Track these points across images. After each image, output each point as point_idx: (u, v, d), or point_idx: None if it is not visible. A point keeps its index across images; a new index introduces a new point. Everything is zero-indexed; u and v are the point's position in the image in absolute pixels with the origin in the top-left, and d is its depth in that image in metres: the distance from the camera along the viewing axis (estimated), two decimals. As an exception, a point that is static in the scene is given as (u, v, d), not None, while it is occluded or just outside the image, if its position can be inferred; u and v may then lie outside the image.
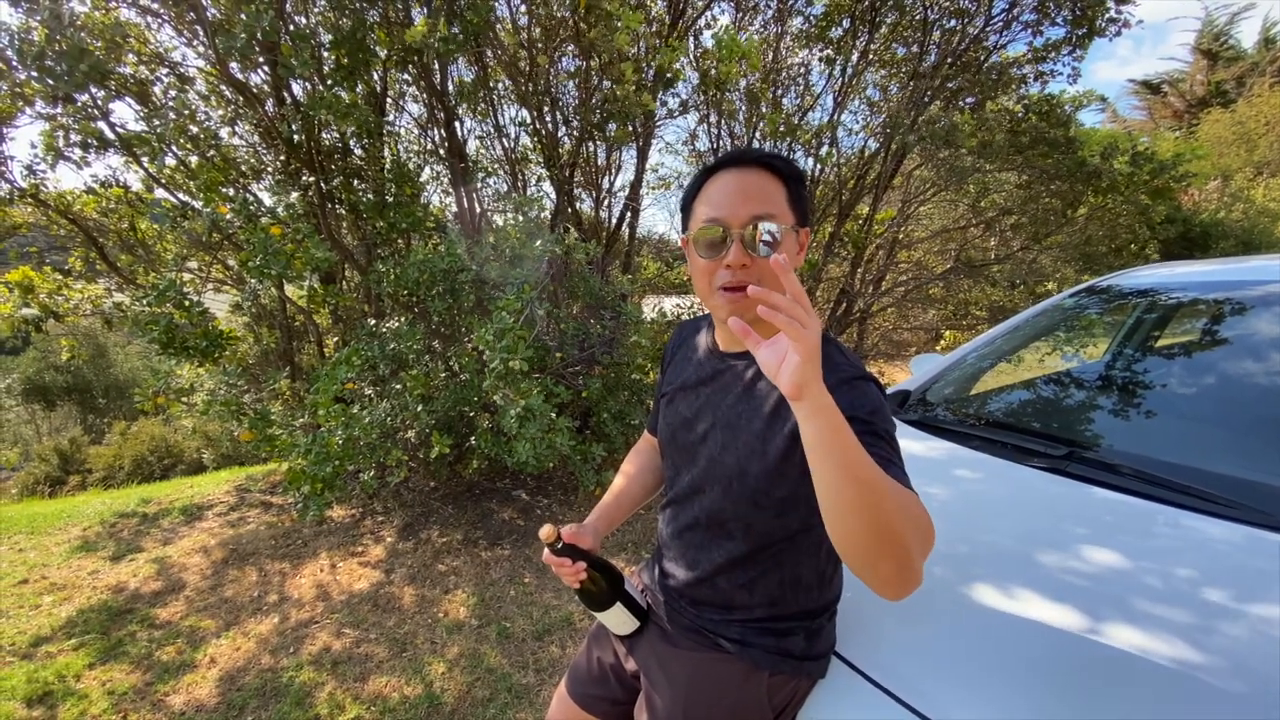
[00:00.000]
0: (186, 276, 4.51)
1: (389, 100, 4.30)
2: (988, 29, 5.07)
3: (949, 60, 4.95)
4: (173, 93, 3.40)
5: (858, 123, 5.88)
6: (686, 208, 1.02)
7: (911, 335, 8.04)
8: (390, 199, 3.51)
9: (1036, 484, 1.47)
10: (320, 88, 3.42)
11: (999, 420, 1.89)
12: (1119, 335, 2.51)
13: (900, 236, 6.24)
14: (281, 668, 2.40)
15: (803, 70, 5.44)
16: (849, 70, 5.17)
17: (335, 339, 4.60)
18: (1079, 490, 1.43)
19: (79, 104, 3.57)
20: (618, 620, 1.16)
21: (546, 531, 1.06)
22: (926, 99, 4.80)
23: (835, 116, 5.10)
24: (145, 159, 3.14)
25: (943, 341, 6.96)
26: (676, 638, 1.10)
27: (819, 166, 5.19)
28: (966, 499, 1.48)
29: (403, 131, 4.88)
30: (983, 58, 5.18)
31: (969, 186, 5.96)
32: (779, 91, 5.35)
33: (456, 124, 4.06)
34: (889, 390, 2.17)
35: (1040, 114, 5.25)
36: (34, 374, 14.07)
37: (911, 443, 1.73)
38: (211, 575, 3.16)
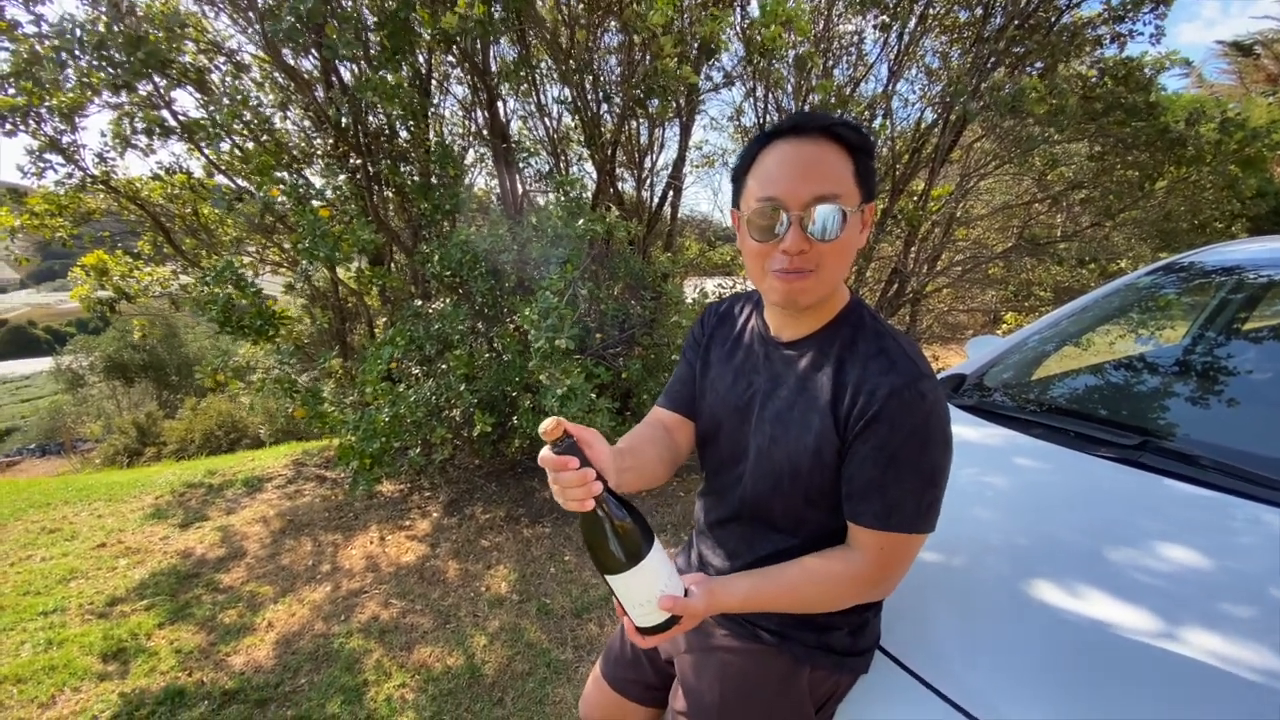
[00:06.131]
0: (245, 259, 4.70)
1: (434, 82, 4.34)
2: (1060, -13, 4.70)
3: (1016, 22, 4.63)
4: (229, 80, 3.50)
5: (914, 93, 5.59)
6: (739, 179, 0.92)
7: (968, 317, 7.68)
8: (435, 180, 3.54)
9: (1105, 475, 1.37)
10: (367, 71, 3.46)
11: (1064, 407, 1.77)
12: (1201, 317, 2.32)
13: (958, 213, 5.94)
14: (333, 634, 2.49)
15: (855, 39, 5.20)
16: (905, 37, 4.90)
17: (385, 320, 4.71)
18: (1153, 482, 1.32)
19: (144, 94, 3.73)
20: (650, 582, 0.80)
21: (549, 426, 0.76)
22: (990, 64, 4.51)
23: (890, 86, 4.87)
24: (204, 144, 3.26)
25: (1004, 325, 6.63)
26: (712, 625, 1.06)
27: (872, 139, 4.98)
28: (1027, 490, 1.39)
29: (447, 114, 4.92)
30: (1053, 18, 4.82)
31: (1034, 159, 5.60)
32: (830, 62, 5.13)
33: (499, 104, 4.06)
34: (941, 375, 2.06)
35: (1117, 78, 4.86)
36: (114, 353, 15.05)
37: (967, 429, 1.63)
38: (270, 544, 3.31)
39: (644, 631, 0.85)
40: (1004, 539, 1.26)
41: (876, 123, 4.79)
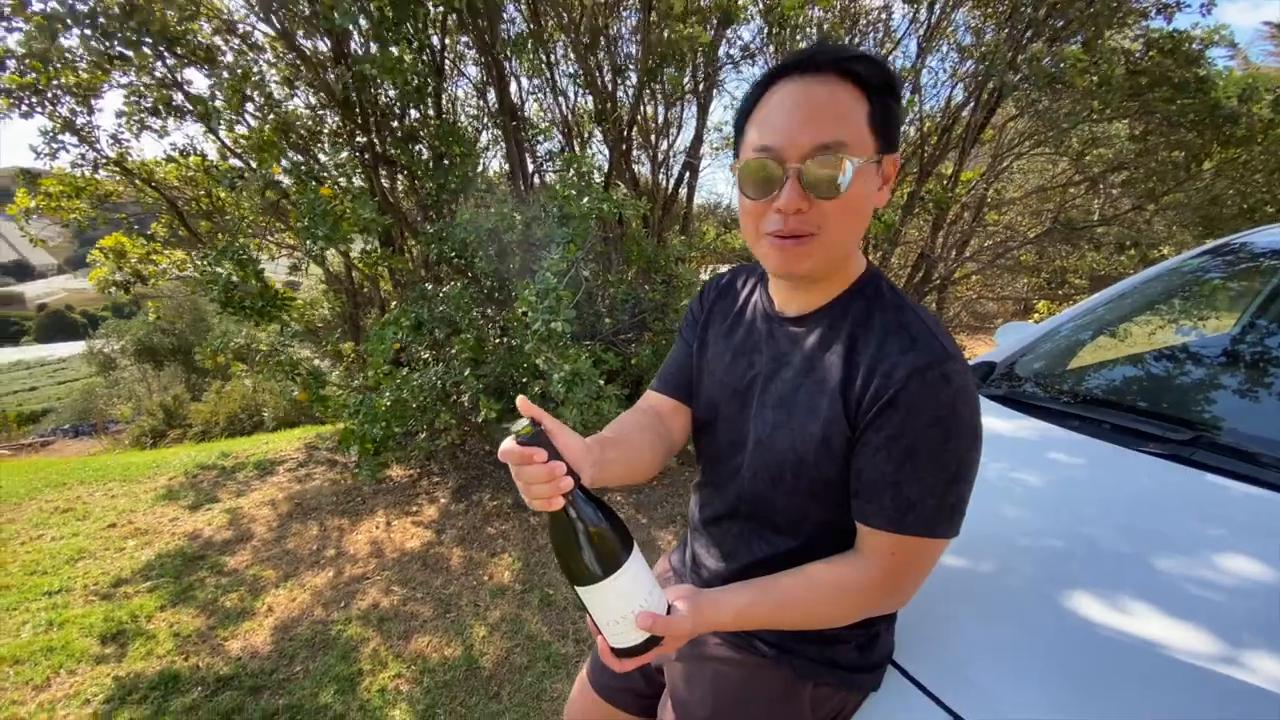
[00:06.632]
0: (257, 241, 4.69)
1: (448, 62, 4.25)
2: (1104, -45, 4.42)
3: (1055, -8, 4.38)
4: (231, 55, 3.45)
5: (945, 70, 5.35)
6: (740, 126, 0.80)
7: (998, 306, 7.40)
8: (443, 160, 3.45)
9: (1152, 472, 1.23)
10: (376, 47, 3.38)
11: (1104, 398, 1.62)
12: (1254, 303, 2.14)
13: (989, 196, 5.68)
14: (332, 620, 2.45)
15: (883, 14, 4.98)
16: (936, 10, 4.67)
17: (396, 304, 4.67)
18: (1206, 482, 1.18)
19: (159, 76, 3.71)
20: (626, 596, 0.70)
21: (522, 402, 0.69)
22: (1028, 37, 4.27)
23: (919, 62, 4.65)
24: (209, 121, 3.21)
25: (1036, 314, 6.37)
26: (705, 635, 0.96)
27: (897, 76, 4.76)
28: (1062, 487, 1.26)
29: (462, 94, 4.84)
30: (1096, -12, 4.56)
31: (1072, 139, 5.32)
32: (855, 39, 4.92)
33: (510, 82, 3.95)
34: (970, 363, 1.92)
35: (1164, 51, 4.58)
36: (144, 336, 15.37)
37: (997, 420, 1.50)
38: (277, 527, 3.29)
39: (619, 653, 0.74)
40: (1036, 542, 1.14)
41: (904, 98, 4.58)
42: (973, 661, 0.91)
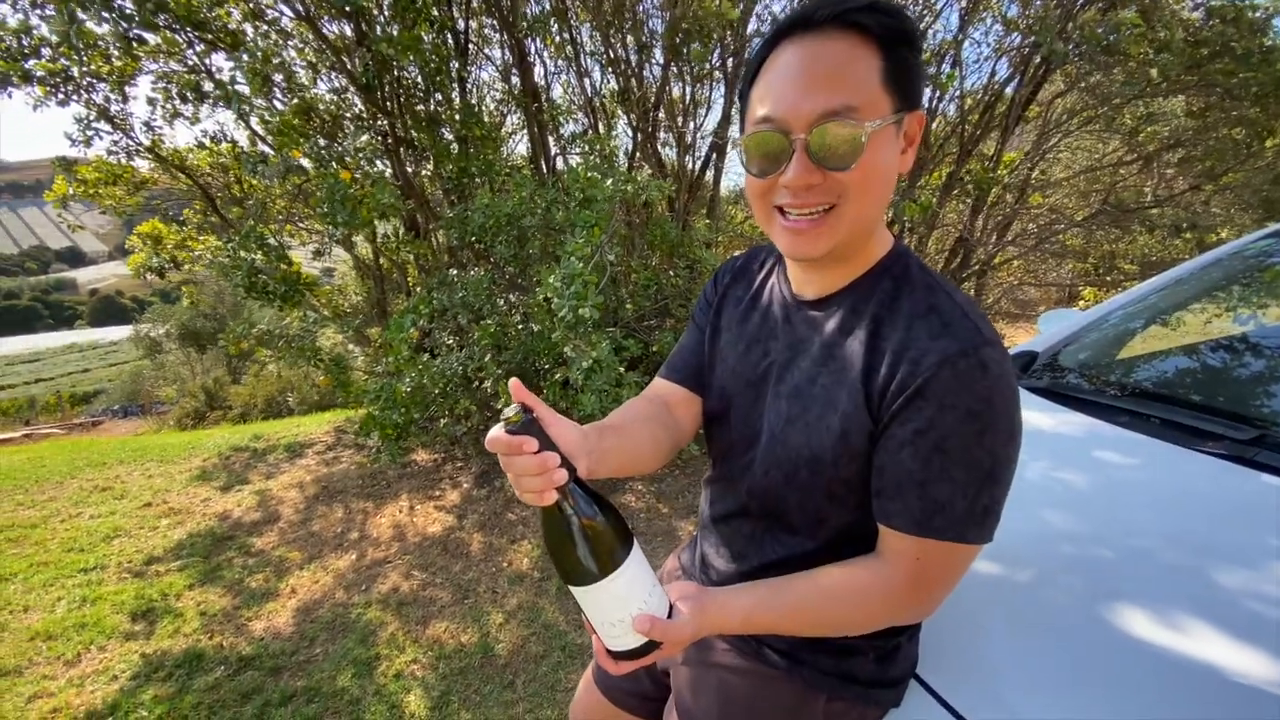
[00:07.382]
0: (289, 228, 4.74)
1: (472, 45, 4.20)
2: (1164, -85, 4.13)
3: (1110, -42, 4.11)
4: (256, 39, 3.46)
5: (988, 44, 5.09)
6: (745, 97, 0.73)
7: (1040, 293, 7.09)
8: (466, 144, 3.42)
9: (1211, 474, 1.12)
10: (397, 29, 3.34)
11: (1156, 392, 1.50)
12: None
13: (1033, 177, 5.41)
14: (352, 603, 2.47)
15: (923, -15, 4.75)
16: (979, -20, 4.44)
17: (421, 289, 4.69)
18: (1269, 485, 1.07)
19: (189, 63, 3.75)
20: (624, 597, 0.65)
21: (514, 385, 0.63)
22: (1079, 5, 4.02)
23: (961, 34, 4.43)
24: (234, 105, 3.22)
25: (1082, 302, 6.08)
26: (713, 637, 0.90)
27: (937, 94, 4.54)
28: (1109, 488, 1.16)
29: (486, 77, 4.80)
30: (1155, -47, 4.26)
31: (1124, 116, 5.02)
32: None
33: (531, 62, 3.89)
34: (1010, 352, 1.81)
35: (1226, 20, 4.26)
36: (187, 321, 15.88)
37: (1038, 415, 1.40)
38: (303, 509, 3.34)
39: (616, 656, 0.69)
40: (1079, 549, 1.05)
41: (944, 72, 4.37)
42: (1004, 678, 0.84)
